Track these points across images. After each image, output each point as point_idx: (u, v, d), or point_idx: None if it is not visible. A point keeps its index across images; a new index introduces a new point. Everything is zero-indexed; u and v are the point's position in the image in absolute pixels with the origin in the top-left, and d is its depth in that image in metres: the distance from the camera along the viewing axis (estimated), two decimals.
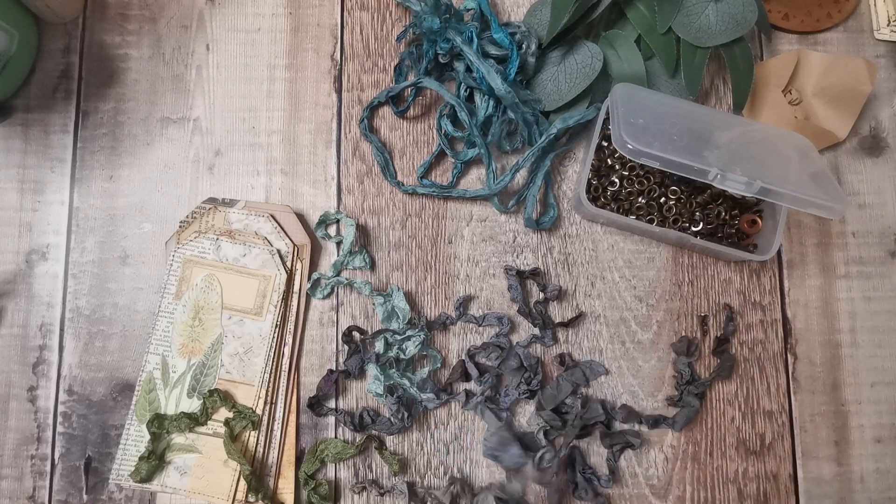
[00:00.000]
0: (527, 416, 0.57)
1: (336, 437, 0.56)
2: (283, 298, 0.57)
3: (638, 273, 0.59)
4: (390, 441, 0.56)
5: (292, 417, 0.56)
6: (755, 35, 0.63)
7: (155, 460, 0.53)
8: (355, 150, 0.60)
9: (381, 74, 0.61)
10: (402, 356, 0.56)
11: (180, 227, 0.58)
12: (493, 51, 0.57)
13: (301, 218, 0.59)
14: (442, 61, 0.58)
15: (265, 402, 0.55)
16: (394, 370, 0.55)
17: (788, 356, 0.58)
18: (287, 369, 0.56)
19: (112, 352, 0.57)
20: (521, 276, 0.58)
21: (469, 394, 0.56)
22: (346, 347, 0.57)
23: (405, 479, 0.55)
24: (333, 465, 0.56)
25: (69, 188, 0.59)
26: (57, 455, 0.56)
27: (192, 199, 0.59)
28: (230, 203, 0.59)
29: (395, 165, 0.60)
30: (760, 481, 0.57)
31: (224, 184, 0.60)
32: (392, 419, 0.55)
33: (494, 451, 0.54)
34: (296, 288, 0.57)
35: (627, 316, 0.59)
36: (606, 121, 0.57)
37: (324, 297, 0.58)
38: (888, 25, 0.62)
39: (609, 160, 0.58)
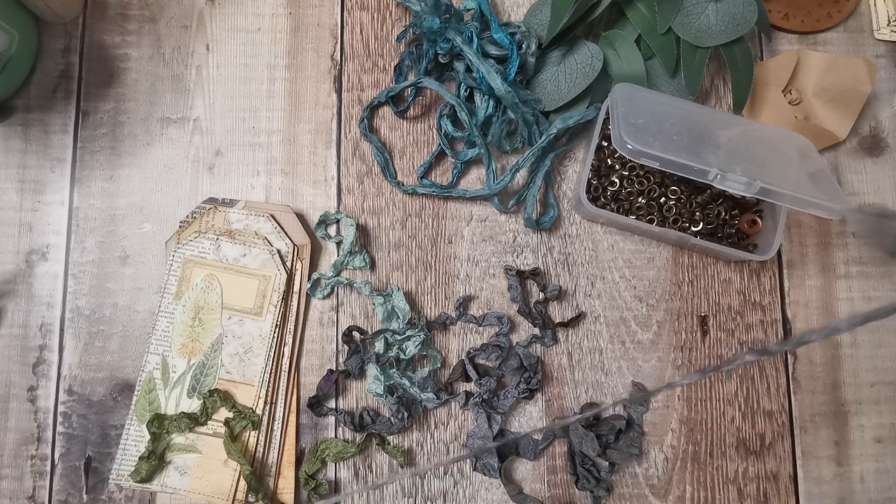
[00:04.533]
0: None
1: (336, 437, 0.56)
2: (283, 298, 0.57)
3: (638, 273, 0.59)
4: (390, 441, 0.56)
5: (292, 417, 0.56)
6: (755, 35, 0.63)
7: (155, 460, 0.53)
8: (355, 150, 0.60)
9: (381, 74, 0.61)
10: (402, 356, 0.56)
11: (180, 227, 0.58)
12: (493, 51, 0.57)
13: (301, 218, 0.59)
14: (442, 61, 0.58)
15: (265, 402, 0.55)
16: (394, 370, 0.55)
17: (788, 356, 0.58)
18: (287, 369, 0.56)
19: (112, 352, 0.57)
20: (521, 276, 0.58)
21: (469, 395, 0.56)
22: (346, 347, 0.57)
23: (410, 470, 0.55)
24: (334, 464, 0.56)
25: (69, 188, 0.59)
26: (57, 455, 0.56)
27: (192, 199, 0.59)
28: (230, 203, 0.59)
29: (395, 165, 0.60)
30: (760, 481, 0.57)
31: (224, 184, 0.60)
32: (392, 419, 0.55)
33: (474, 451, 0.55)
34: (296, 288, 0.57)
35: (627, 316, 0.59)
36: (606, 121, 0.57)
37: (324, 297, 0.58)
38: (888, 25, 0.62)
39: (609, 160, 0.58)
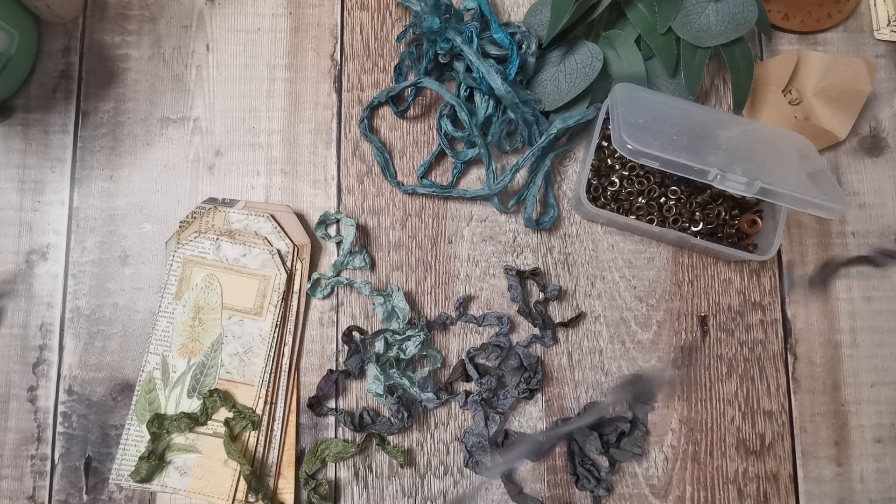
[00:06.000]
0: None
1: (336, 437, 0.56)
2: (283, 298, 0.57)
3: (638, 273, 0.59)
4: (390, 441, 0.56)
5: (292, 417, 0.56)
6: (755, 35, 0.63)
7: (155, 460, 0.53)
8: (355, 150, 0.60)
9: (381, 74, 0.61)
10: (402, 356, 0.56)
11: (180, 227, 0.58)
12: (493, 51, 0.57)
13: (301, 218, 0.59)
14: (442, 61, 0.58)
15: (265, 402, 0.55)
16: (394, 370, 0.55)
17: (788, 356, 0.58)
18: (287, 369, 0.56)
19: (112, 352, 0.57)
20: (521, 276, 0.58)
21: (469, 394, 0.56)
22: (346, 347, 0.57)
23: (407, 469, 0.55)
24: (334, 464, 0.56)
25: (69, 188, 0.59)
26: (57, 455, 0.56)
27: (192, 199, 0.59)
28: (230, 203, 0.59)
29: (395, 165, 0.60)
30: (760, 481, 0.57)
31: (224, 184, 0.60)
32: (392, 419, 0.55)
33: (469, 448, 0.55)
34: (296, 288, 0.57)
35: (627, 316, 0.59)
36: (606, 121, 0.57)
37: (324, 297, 0.58)
38: (888, 25, 0.62)
39: (609, 160, 0.58)
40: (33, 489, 0.55)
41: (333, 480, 0.56)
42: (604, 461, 0.56)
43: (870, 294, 0.59)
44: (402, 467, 0.55)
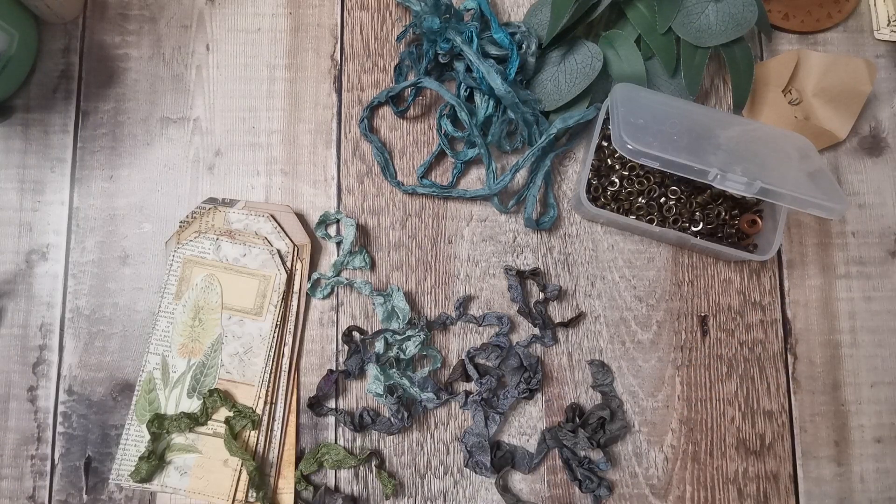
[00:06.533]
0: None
1: (336, 437, 0.56)
2: (283, 298, 0.57)
3: (638, 273, 0.59)
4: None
5: (292, 417, 0.56)
6: (755, 35, 0.63)
7: (155, 460, 0.53)
8: (355, 150, 0.60)
9: (381, 74, 0.61)
10: (402, 356, 0.56)
11: (180, 227, 0.58)
12: (493, 51, 0.57)
13: (301, 218, 0.59)
14: (442, 61, 0.58)
15: (265, 402, 0.55)
16: (394, 370, 0.55)
17: (788, 356, 0.58)
18: (287, 369, 0.56)
19: (112, 352, 0.57)
20: (521, 276, 0.58)
21: (469, 394, 0.56)
22: (346, 347, 0.57)
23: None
24: (333, 471, 0.56)
25: (69, 188, 0.59)
26: (57, 455, 0.56)
27: (192, 199, 0.59)
28: (230, 203, 0.59)
29: (395, 165, 0.60)
30: (760, 481, 0.57)
31: (224, 184, 0.60)
32: (392, 419, 0.55)
33: (469, 448, 0.55)
34: (296, 288, 0.57)
35: (627, 316, 0.59)
36: (606, 121, 0.57)
37: (324, 297, 0.58)
38: (888, 25, 0.62)
39: (609, 160, 0.58)
40: (33, 489, 0.55)
41: (334, 481, 0.56)
42: (598, 453, 0.56)
43: (870, 294, 0.59)
44: (386, 498, 0.55)
